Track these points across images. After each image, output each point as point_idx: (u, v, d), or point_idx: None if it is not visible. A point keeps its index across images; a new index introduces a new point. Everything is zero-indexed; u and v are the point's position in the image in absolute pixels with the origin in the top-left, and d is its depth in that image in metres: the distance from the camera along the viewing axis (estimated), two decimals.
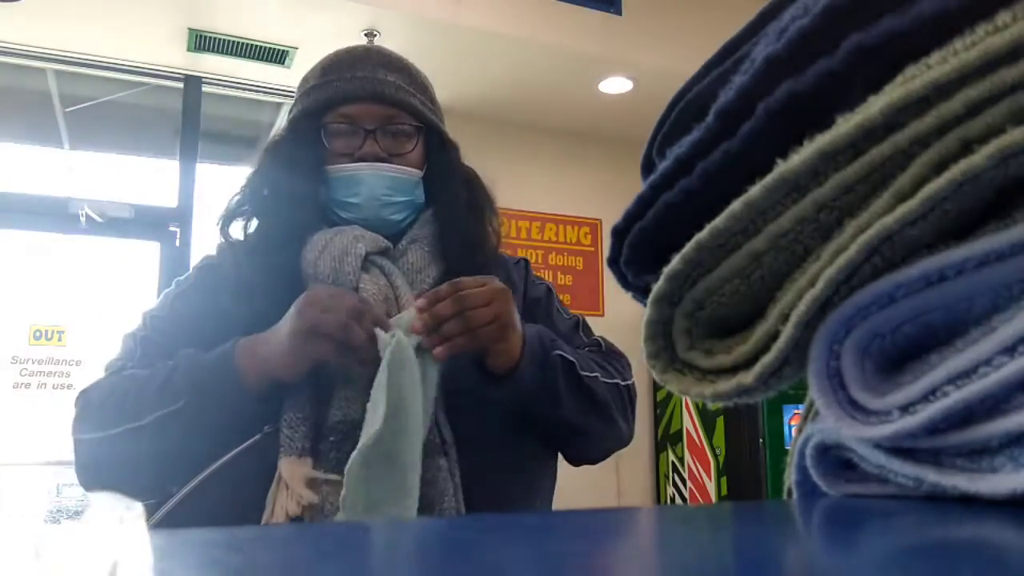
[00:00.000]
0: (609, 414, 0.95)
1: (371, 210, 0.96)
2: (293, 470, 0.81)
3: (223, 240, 0.99)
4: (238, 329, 0.88)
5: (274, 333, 0.84)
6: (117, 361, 0.93)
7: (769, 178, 0.29)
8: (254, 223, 0.99)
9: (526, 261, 1.10)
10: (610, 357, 1.02)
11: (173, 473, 0.83)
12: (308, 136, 0.98)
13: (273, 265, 0.93)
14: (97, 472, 0.87)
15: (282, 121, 3.93)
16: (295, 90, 1.04)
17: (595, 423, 0.94)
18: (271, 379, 0.83)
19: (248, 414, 0.83)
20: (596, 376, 0.94)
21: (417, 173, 1.00)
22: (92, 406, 0.88)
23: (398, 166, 0.98)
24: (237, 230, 0.99)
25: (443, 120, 1.07)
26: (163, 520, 0.81)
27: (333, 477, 0.80)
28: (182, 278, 1.00)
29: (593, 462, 1.02)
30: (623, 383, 0.98)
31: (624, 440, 1.00)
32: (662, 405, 4.06)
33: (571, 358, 0.92)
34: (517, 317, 0.88)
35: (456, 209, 1.00)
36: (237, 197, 1.00)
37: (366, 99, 0.97)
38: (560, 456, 1.00)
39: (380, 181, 0.96)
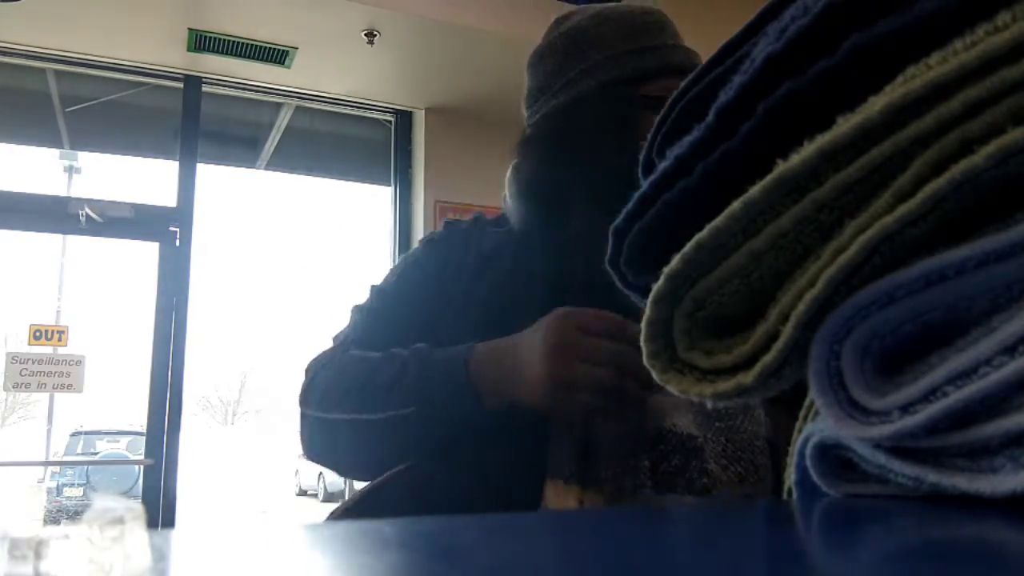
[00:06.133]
0: None
1: None
2: (558, 499, 0.72)
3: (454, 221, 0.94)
4: (473, 301, 0.83)
5: (522, 349, 0.74)
6: (345, 334, 0.91)
7: (769, 178, 0.29)
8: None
9: None
10: None
11: (398, 464, 0.79)
12: (621, 108, 0.87)
13: (543, 237, 0.84)
14: (321, 449, 0.86)
15: (283, 121, 3.94)
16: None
17: None
18: (516, 401, 0.73)
19: (486, 427, 0.75)
20: None
21: None
22: (321, 384, 0.85)
23: None
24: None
25: None
26: (352, 509, 0.78)
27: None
28: (409, 252, 0.96)
29: None
30: None
31: None
32: None
33: None
34: None
35: None
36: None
37: (683, 71, 0.86)
38: None
39: None
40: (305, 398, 0.86)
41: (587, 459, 0.74)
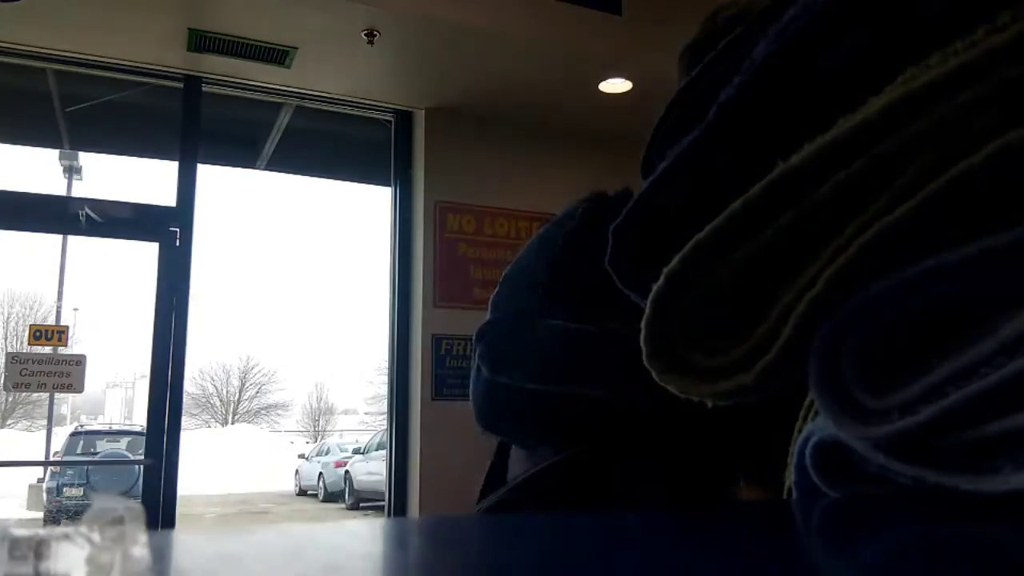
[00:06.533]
0: None
1: None
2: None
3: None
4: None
5: None
6: (506, 302, 0.88)
7: (769, 178, 0.29)
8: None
9: None
10: None
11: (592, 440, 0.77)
12: None
13: None
14: (507, 417, 0.83)
15: (283, 122, 3.94)
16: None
17: None
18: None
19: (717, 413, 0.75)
20: None
21: None
22: (524, 352, 0.82)
23: None
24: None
25: None
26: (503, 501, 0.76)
27: None
28: (560, 224, 0.91)
29: None
30: None
31: None
32: None
33: None
34: None
35: None
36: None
37: None
38: None
39: None
40: (497, 364, 0.82)
41: (776, 461, 0.73)
